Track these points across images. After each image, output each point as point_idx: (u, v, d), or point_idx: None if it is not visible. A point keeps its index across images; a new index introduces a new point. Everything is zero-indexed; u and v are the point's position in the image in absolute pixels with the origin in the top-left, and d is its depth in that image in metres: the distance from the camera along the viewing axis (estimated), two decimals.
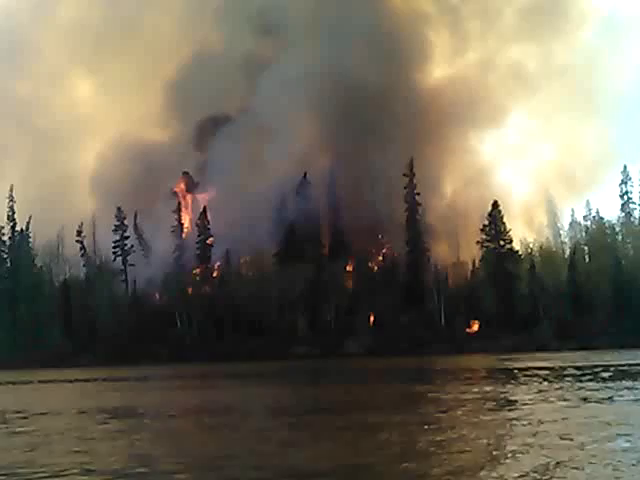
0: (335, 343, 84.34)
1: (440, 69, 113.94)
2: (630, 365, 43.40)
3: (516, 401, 23.03)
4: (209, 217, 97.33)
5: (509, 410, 20.73)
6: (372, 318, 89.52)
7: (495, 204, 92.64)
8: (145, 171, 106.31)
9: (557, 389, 27.34)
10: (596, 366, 42.49)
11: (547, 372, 39.10)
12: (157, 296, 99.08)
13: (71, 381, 52.99)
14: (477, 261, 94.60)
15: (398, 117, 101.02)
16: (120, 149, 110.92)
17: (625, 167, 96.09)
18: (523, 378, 34.86)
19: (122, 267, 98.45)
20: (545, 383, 30.78)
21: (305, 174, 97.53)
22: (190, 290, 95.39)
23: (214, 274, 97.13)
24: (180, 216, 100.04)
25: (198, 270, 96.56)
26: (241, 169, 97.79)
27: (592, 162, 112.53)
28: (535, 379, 33.25)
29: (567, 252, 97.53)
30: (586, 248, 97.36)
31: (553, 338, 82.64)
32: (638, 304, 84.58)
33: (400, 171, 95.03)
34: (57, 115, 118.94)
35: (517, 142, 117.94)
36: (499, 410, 20.89)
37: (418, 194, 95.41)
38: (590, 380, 31.22)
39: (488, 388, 28.91)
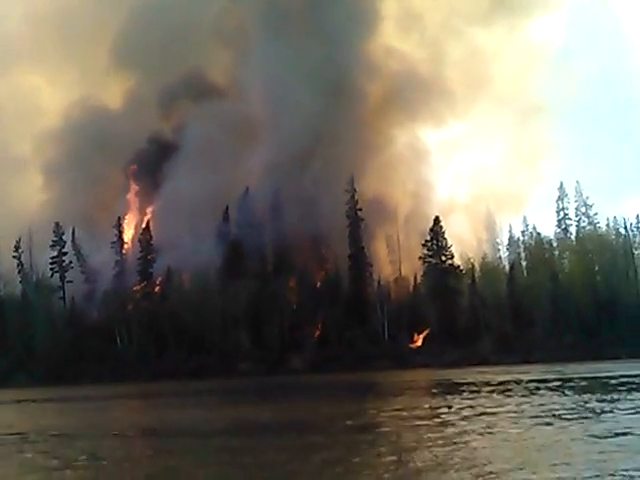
0: (279, 359, 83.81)
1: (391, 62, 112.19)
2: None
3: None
4: (154, 226, 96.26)
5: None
6: (316, 334, 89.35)
7: (437, 219, 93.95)
8: (98, 148, 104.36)
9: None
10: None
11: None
12: (96, 313, 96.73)
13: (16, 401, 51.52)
14: (419, 276, 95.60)
15: (344, 123, 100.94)
16: (72, 122, 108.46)
17: (562, 184, 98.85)
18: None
19: (60, 284, 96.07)
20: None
21: (247, 188, 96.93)
22: (130, 306, 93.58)
23: (156, 290, 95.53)
24: (121, 232, 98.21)
25: (139, 287, 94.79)
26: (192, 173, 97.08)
27: (530, 177, 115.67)
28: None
29: (506, 267, 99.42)
30: (524, 263, 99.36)
31: (494, 352, 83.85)
32: (575, 318, 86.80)
33: (343, 185, 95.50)
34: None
35: (460, 153, 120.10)
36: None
37: (360, 209, 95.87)
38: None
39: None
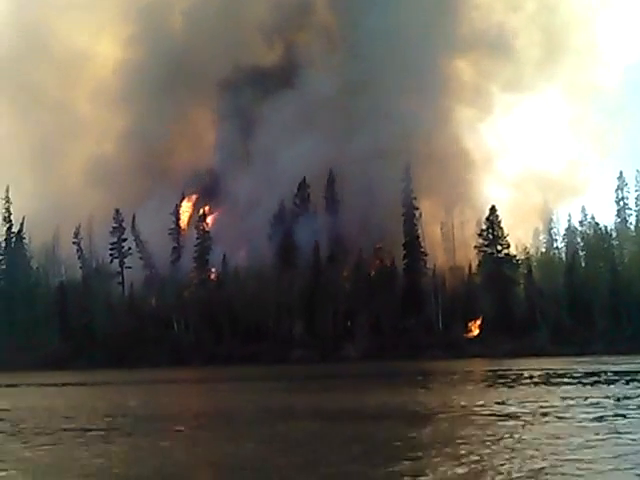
0: (333, 347, 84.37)
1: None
2: None
3: None
4: (212, 217, 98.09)
5: None
6: (370, 322, 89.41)
7: (493, 209, 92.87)
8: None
9: None
10: None
11: None
12: (154, 299, 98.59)
13: (82, 385, 52.97)
14: (474, 265, 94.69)
15: (396, 113, 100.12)
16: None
17: (621, 173, 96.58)
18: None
19: (119, 269, 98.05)
20: None
21: (304, 178, 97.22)
22: (187, 293, 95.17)
23: (212, 277, 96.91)
24: (178, 219, 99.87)
25: (195, 273, 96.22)
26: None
27: (589, 165, 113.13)
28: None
29: (564, 257, 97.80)
30: (582, 253, 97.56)
31: (550, 343, 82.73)
32: (635, 310, 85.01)
33: (398, 174, 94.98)
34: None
35: (515, 141, 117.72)
36: None
37: (415, 198, 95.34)
38: None
39: None
